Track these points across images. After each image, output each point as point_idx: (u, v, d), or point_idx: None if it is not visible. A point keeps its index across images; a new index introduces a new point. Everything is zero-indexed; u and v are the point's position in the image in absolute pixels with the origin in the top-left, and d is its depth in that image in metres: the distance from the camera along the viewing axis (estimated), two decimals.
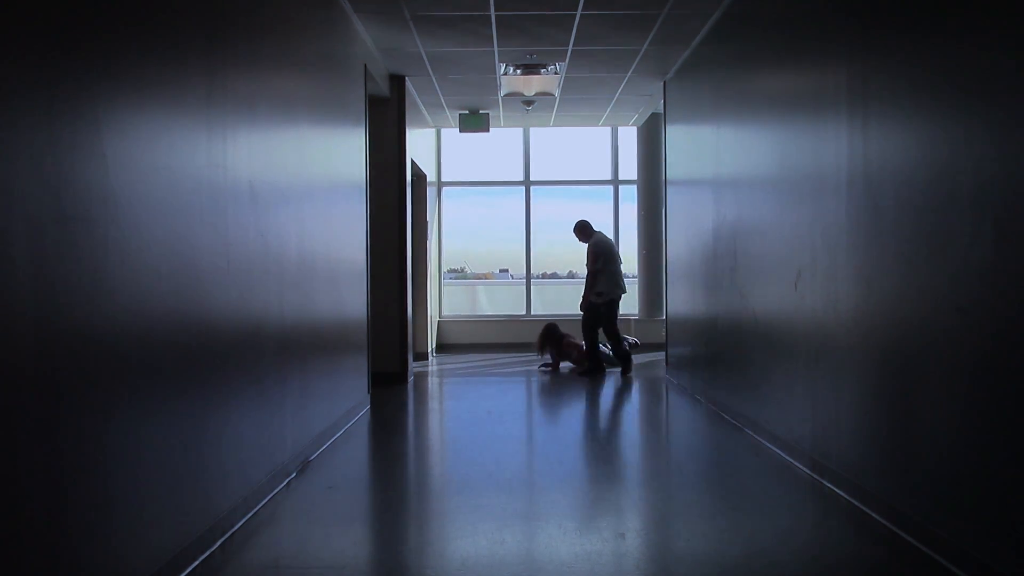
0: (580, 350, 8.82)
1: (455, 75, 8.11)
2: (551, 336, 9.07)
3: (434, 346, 10.79)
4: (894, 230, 3.38)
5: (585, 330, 8.52)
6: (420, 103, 9.20)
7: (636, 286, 11.32)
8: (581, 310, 8.59)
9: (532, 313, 11.69)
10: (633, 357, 8.85)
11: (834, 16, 3.99)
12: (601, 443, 5.46)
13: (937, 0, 3.08)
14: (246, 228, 3.67)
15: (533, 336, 9.45)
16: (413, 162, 8.67)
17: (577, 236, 8.73)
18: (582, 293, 8.64)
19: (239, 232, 3.57)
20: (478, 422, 6.14)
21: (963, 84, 2.88)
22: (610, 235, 11.60)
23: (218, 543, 3.26)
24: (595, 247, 8.49)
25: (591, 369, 8.52)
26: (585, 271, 8.66)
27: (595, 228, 8.69)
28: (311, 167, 4.91)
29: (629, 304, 11.58)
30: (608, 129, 11.45)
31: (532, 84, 8.35)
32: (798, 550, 3.29)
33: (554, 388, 7.77)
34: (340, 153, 5.75)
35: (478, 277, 14.10)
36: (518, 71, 7.93)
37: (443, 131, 11.37)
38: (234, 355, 3.53)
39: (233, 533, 3.41)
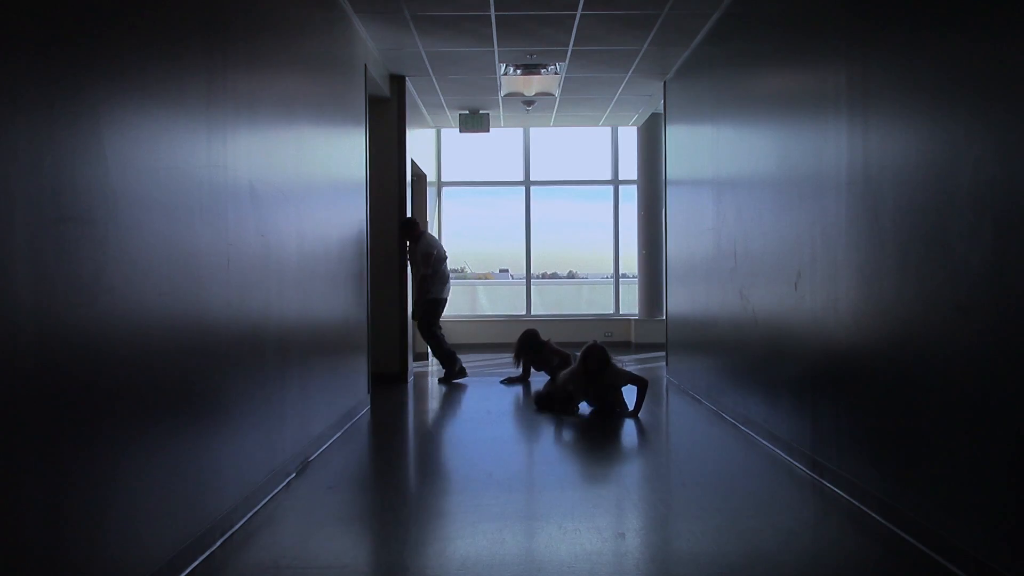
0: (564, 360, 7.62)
1: (455, 75, 8.11)
2: (530, 344, 7.94)
3: None
4: (894, 230, 3.38)
5: (425, 333, 8.11)
6: (420, 103, 9.20)
7: (636, 286, 11.32)
8: (415, 319, 8.21)
9: (532, 313, 11.69)
10: (625, 358, 8.76)
11: (834, 16, 3.99)
12: (601, 443, 5.45)
13: (937, 0, 3.08)
14: (246, 228, 3.67)
15: None
16: (413, 162, 8.67)
17: (402, 235, 8.11)
18: (414, 299, 8.20)
19: (239, 232, 3.57)
20: (478, 422, 6.14)
21: (963, 84, 2.88)
22: (611, 234, 11.66)
23: (218, 543, 3.26)
24: (427, 248, 8.05)
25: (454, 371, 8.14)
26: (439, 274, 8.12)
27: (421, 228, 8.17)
28: (311, 167, 4.91)
29: (630, 304, 11.60)
30: (608, 129, 11.45)
31: (532, 84, 8.35)
32: (798, 550, 3.30)
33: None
34: (340, 153, 5.75)
35: (478, 277, 14.07)
36: (518, 71, 7.93)
37: (443, 131, 11.37)
38: (234, 355, 3.53)
39: (233, 533, 3.41)
